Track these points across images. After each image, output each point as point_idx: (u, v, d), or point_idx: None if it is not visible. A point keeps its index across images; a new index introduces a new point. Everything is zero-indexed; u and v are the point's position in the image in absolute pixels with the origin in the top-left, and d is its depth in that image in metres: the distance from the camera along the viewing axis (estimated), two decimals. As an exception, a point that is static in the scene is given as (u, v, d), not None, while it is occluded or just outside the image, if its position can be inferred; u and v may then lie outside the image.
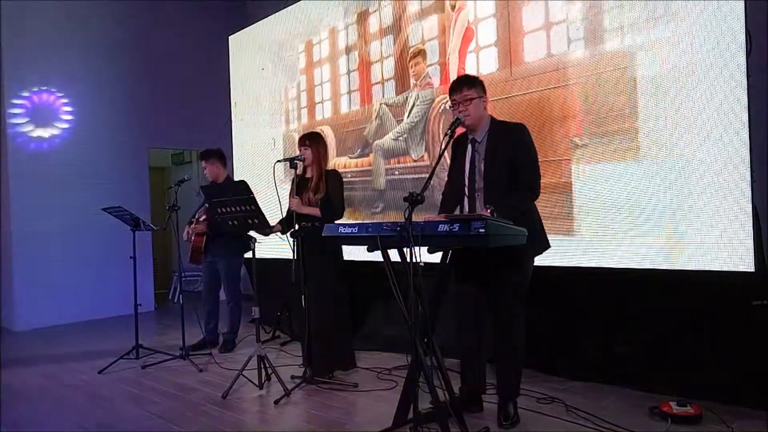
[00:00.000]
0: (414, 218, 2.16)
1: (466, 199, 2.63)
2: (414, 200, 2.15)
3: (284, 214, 3.45)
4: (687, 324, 2.81)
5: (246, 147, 5.59)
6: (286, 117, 4.81)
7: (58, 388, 3.55)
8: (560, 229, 3.13)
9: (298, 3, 4.91)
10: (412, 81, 3.94)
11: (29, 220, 5.70)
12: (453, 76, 3.52)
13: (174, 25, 6.80)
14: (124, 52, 6.42)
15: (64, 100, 6.00)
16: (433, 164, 2.44)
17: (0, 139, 5.73)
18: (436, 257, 2.50)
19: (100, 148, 6.22)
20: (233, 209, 3.24)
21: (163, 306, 6.85)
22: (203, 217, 4.23)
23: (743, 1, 2.52)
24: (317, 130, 4.20)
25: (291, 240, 3.37)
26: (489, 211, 2.29)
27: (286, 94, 4.86)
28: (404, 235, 2.15)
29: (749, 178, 2.52)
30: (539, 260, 2.65)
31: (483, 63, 3.51)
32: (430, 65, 3.83)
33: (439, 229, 2.15)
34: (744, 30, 2.52)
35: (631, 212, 2.91)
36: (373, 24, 4.17)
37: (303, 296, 3.34)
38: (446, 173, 2.89)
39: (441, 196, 2.87)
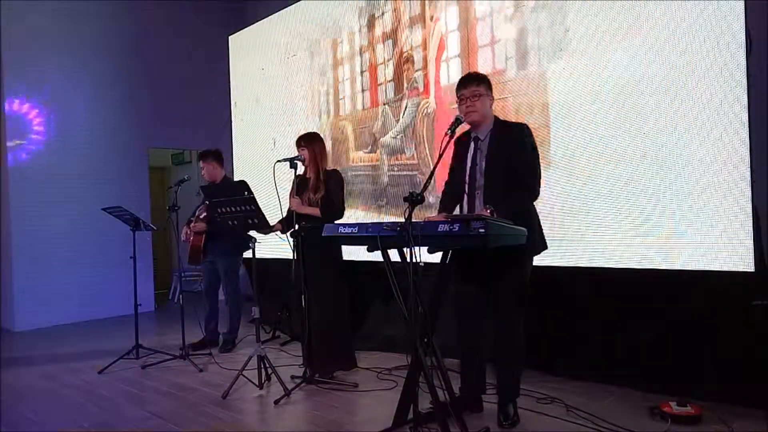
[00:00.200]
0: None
1: (465, 197, 2.63)
2: (414, 200, 2.15)
3: (284, 214, 3.45)
4: (687, 324, 2.81)
5: (246, 147, 5.59)
6: (319, 111, 4.92)
7: (58, 388, 3.55)
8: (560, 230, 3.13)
9: (298, 3, 4.92)
10: (405, 84, 4.13)
11: (29, 220, 5.70)
12: (431, 84, 3.87)
13: (174, 25, 6.80)
14: (124, 52, 6.42)
15: (64, 100, 6.00)
16: (434, 164, 2.44)
17: (0, 139, 5.73)
18: (436, 257, 2.50)
19: (100, 148, 6.22)
20: (233, 209, 3.23)
21: (163, 306, 6.85)
22: (203, 214, 4.22)
23: (743, 1, 2.52)
24: (315, 130, 4.26)
25: (291, 240, 3.37)
26: (489, 211, 2.29)
27: (318, 89, 4.96)
28: (404, 235, 2.15)
29: (749, 178, 2.52)
30: (539, 260, 2.65)
31: (452, 73, 3.75)
32: (417, 71, 4.02)
33: (439, 229, 2.15)
34: (744, 30, 2.52)
35: (631, 212, 2.91)
36: (378, 28, 4.34)
37: (303, 296, 3.34)
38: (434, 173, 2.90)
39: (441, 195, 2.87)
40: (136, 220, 3.98)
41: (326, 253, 3.36)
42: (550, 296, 3.18)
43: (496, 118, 2.65)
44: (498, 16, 3.45)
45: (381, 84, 4.30)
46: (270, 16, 5.28)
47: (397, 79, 4.17)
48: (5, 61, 5.68)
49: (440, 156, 2.39)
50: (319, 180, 3.40)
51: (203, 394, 3.26)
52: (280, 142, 5.09)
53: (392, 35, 4.20)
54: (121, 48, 6.40)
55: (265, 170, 4.91)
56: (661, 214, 2.80)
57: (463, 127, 2.64)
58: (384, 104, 4.26)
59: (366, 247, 2.45)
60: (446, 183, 2.85)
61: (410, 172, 4.07)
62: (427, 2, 3.92)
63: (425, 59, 3.94)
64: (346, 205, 3.54)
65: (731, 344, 2.69)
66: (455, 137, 2.62)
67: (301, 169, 3.45)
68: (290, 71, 5.06)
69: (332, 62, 4.67)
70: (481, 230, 2.01)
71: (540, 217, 2.65)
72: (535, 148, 2.58)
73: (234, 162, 5.70)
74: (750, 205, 2.52)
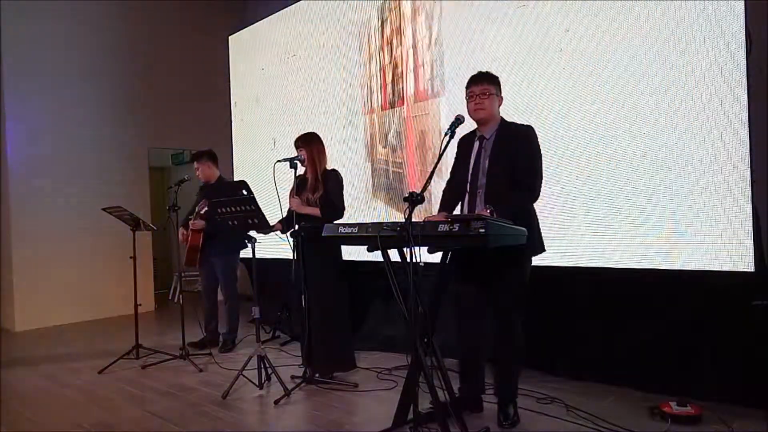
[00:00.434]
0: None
1: (467, 195, 2.63)
2: (414, 200, 2.15)
3: (284, 214, 3.45)
4: (687, 324, 2.81)
5: (246, 147, 5.59)
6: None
7: (58, 388, 3.55)
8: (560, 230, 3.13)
9: (298, 3, 4.92)
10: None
11: (29, 220, 5.70)
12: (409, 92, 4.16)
13: (174, 25, 6.80)
14: (124, 51, 6.42)
15: (64, 100, 6.00)
16: (434, 164, 2.44)
17: (0, 139, 5.73)
18: (436, 257, 2.50)
19: (100, 148, 6.22)
20: (233, 209, 3.23)
21: (163, 306, 6.85)
22: (204, 209, 4.21)
23: (743, 1, 2.52)
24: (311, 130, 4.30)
25: (291, 240, 3.37)
26: (489, 211, 2.29)
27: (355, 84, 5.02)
28: (404, 235, 2.15)
29: (749, 178, 2.52)
30: (539, 260, 2.65)
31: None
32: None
33: (439, 229, 2.15)
34: (744, 30, 2.52)
35: (631, 212, 2.91)
36: (386, 32, 4.41)
37: (303, 296, 3.34)
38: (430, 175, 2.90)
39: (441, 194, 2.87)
40: (136, 220, 3.98)
41: (326, 253, 3.36)
42: (550, 296, 3.18)
43: (503, 119, 2.65)
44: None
45: (387, 84, 4.38)
46: (270, 16, 5.28)
47: (397, 80, 4.21)
48: (5, 60, 5.67)
49: (440, 156, 2.39)
50: (318, 180, 3.39)
51: (203, 394, 3.26)
52: (280, 142, 5.09)
53: (392, 40, 4.28)
54: (121, 48, 6.39)
55: (265, 170, 4.91)
56: (660, 214, 2.80)
57: (464, 128, 2.64)
58: (389, 103, 4.31)
59: (366, 247, 2.45)
60: (447, 181, 2.85)
61: (400, 170, 4.21)
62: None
63: (405, 67, 4.07)
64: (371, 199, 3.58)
65: (731, 344, 2.69)
66: (459, 137, 2.63)
67: (301, 170, 3.45)
68: (290, 71, 5.06)
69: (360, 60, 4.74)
70: (481, 230, 2.01)
71: (540, 217, 2.64)
72: (539, 150, 2.57)
73: (234, 162, 5.70)
74: (750, 205, 2.52)
